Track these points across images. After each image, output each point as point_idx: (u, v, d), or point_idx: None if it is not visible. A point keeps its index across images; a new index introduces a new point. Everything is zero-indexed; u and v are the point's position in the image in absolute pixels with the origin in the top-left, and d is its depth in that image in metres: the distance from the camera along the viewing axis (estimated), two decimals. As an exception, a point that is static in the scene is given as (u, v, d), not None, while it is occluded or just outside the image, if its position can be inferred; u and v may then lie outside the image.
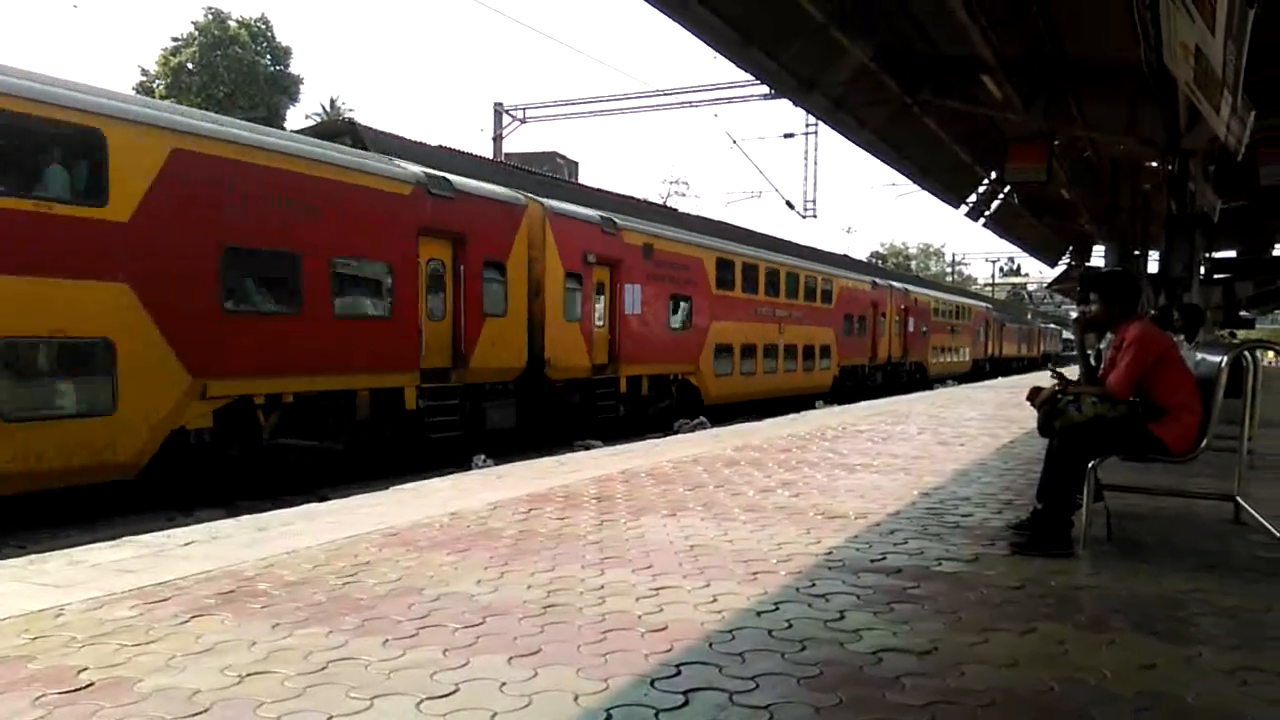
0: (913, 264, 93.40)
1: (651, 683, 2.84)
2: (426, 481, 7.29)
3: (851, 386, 26.34)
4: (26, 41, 77.03)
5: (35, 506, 8.82)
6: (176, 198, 9.37)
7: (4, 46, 77.23)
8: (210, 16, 44.35)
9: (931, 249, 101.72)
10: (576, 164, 31.49)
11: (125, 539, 4.98)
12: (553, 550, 4.59)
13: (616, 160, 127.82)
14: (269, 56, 46.02)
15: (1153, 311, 13.87)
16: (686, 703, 2.69)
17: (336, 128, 14.59)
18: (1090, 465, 4.60)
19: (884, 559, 4.44)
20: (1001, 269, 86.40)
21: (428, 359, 12.43)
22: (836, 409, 17.10)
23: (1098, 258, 31.29)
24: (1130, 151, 17.41)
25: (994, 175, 21.89)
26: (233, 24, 44.68)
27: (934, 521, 5.38)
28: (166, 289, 9.28)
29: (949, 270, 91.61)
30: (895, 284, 32.84)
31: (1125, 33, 10.80)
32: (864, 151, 19.78)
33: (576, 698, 2.72)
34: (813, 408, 18.75)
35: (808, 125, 33.16)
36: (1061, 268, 38.32)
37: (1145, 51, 10.28)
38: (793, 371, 23.55)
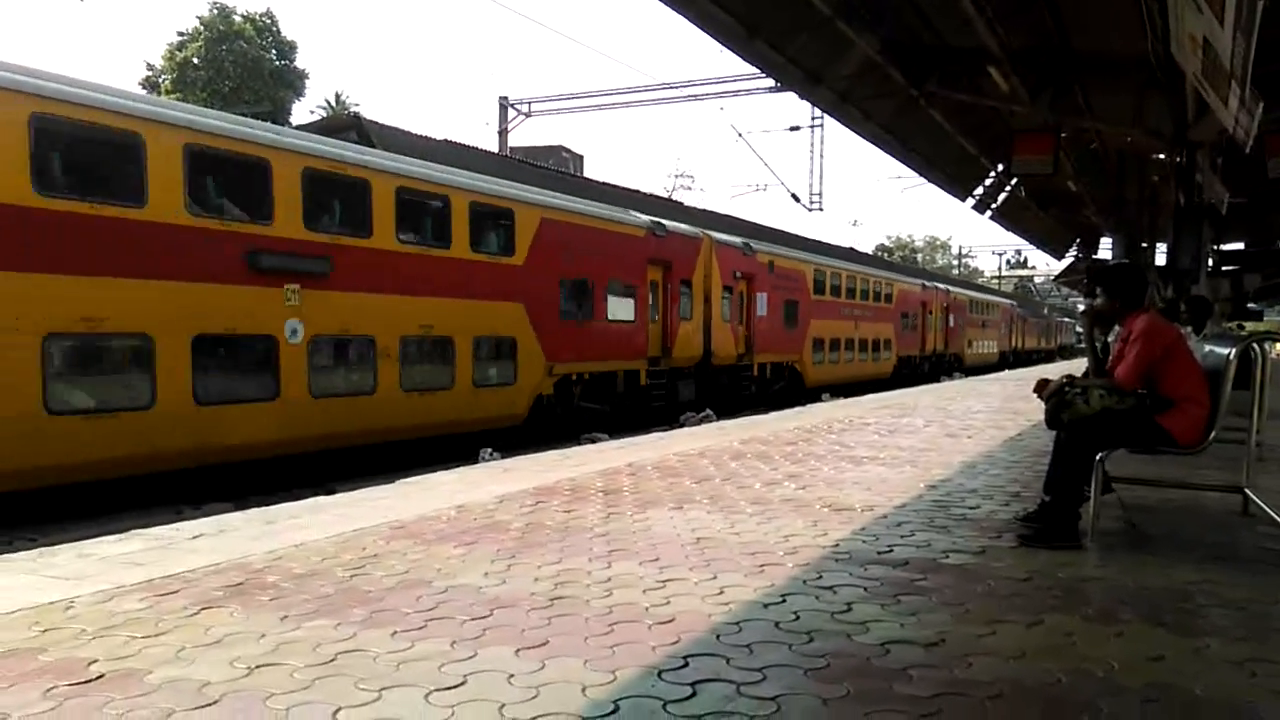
0: (919, 257, 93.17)
1: (659, 674, 2.84)
2: (432, 474, 7.30)
3: (907, 374, 30.43)
4: (33, 37, 77.22)
5: (44, 500, 8.86)
6: (542, 249, 14.30)
7: (10, 42, 77.41)
8: (215, 11, 44.37)
9: (938, 242, 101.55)
10: (582, 157, 31.54)
11: (134, 532, 5.00)
12: (560, 543, 4.60)
13: (622, 154, 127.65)
14: (274, 51, 46.02)
15: (1160, 304, 13.84)
16: (694, 694, 2.69)
17: (342, 123, 14.60)
18: (1098, 458, 4.59)
19: (891, 551, 4.43)
20: (1008, 262, 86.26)
21: (649, 350, 17.27)
22: (842, 401, 17.10)
23: (1105, 250, 31.20)
24: (1137, 143, 17.33)
25: (1000, 167, 21.83)
26: (238, 19, 44.69)
27: (941, 514, 5.37)
28: (538, 306, 14.28)
29: (955, 263, 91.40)
30: (939, 285, 37.40)
31: (1132, 24, 10.76)
32: (870, 144, 19.73)
33: (584, 689, 2.73)
34: (882, 390, 21.70)
35: (813, 118, 33.14)
36: (1068, 260, 38.26)
37: (1152, 43, 10.25)
38: (865, 360, 28.01)
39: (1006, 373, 33.10)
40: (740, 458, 7.89)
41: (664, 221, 17.68)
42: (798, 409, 14.95)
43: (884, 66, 14.15)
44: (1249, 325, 27.12)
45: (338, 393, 11.25)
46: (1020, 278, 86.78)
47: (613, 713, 2.58)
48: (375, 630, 3.25)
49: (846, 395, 18.63)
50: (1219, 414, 4.58)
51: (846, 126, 18.23)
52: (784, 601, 3.61)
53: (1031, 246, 46.76)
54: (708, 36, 12.70)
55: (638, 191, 20.25)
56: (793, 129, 33.74)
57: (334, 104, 50.50)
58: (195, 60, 43.40)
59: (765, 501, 5.75)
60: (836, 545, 4.56)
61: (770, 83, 23.33)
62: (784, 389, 22.33)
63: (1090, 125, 17.25)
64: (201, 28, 43.94)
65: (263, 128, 11.03)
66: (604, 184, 19.31)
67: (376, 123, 13.71)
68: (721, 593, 3.73)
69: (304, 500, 6.15)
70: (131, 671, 2.87)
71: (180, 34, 44.40)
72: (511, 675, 2.83)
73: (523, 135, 31.78)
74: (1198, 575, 4.01)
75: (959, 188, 24.41)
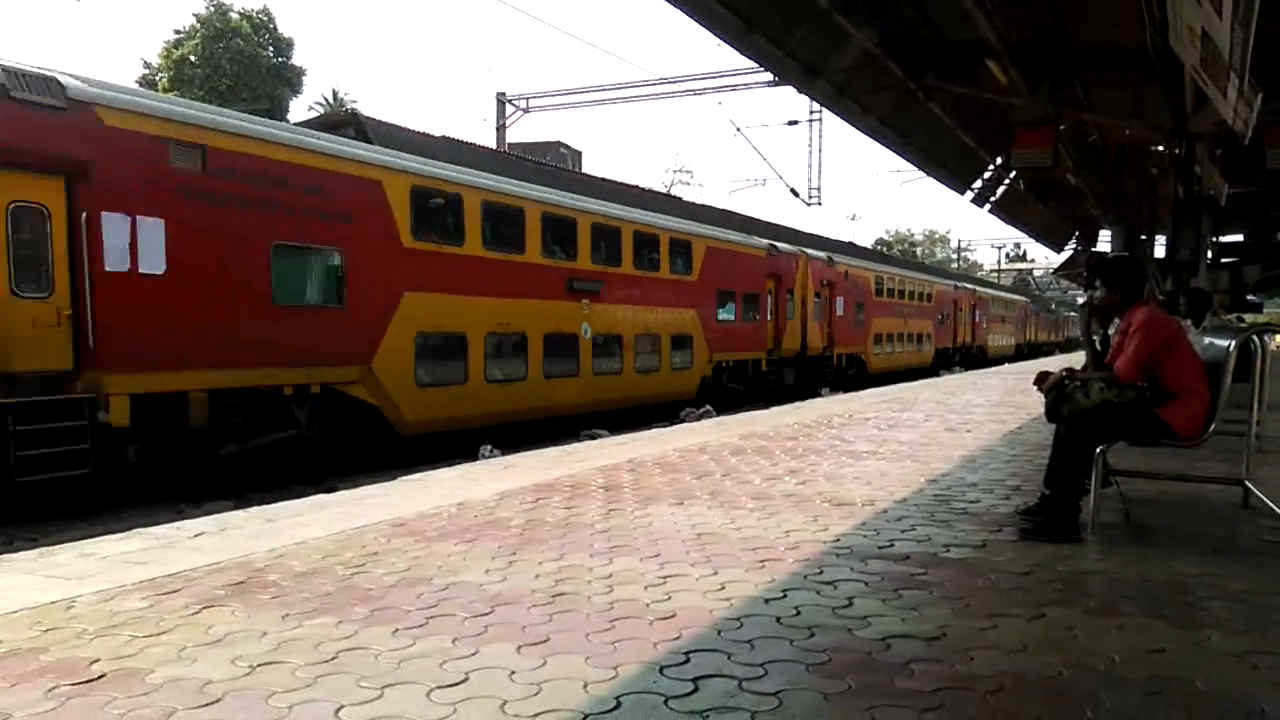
0: (918, 251, 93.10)
1: (661, 670, 2.85)
2: (433, 472, 7.30)
3: (941, 364, 34.51)
4: (29, 35, 77.08)
5: (45, 498, 8.87)
6: (707, 270, 19.20)
7: (6, 40, 77.27)
8: (212, 9, 44.28)
9: (937, 235, 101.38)
10: (580, 153, 31.46)
11: (135, 531, 5.01)
12: (560, 539, 4.60)
13: (620, 149, 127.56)
14: (271, 48, 45.93)
15: (1160, 296, 13.84)
16: (696, 690, 2.70)
17: (340, 119, 14.58)
18: (1098, 451, 4.59)
19: (892, 546, 4.44)
20: (1007, 255, 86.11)
21: (767, 344, 22.00)
22: (842, 396, 17.09)
23: (1104, 243, 31.20)
24: (1136, 136, 17.29)
25: (999, 160, 21.80)
26: (235, 16, 44.60)
27: (942, 508, 5.38)
28: (705, 312, 19.15)
29: (954, 256, 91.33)
30: (968, 285, 42.11)
31: (1131, 16, 10.74)
32: (869, 138, 19.70)
33: (586, 686, 2.73)
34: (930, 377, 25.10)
35: (812, 112, 33.12)
36: (1068, 253, 38.28)
37: (1151, 35, 10.23)
38: (912, 351, 32.50)
39: (1006, 366, 33.24)
40: (740, 453, 7.90)
41: (777, 244, 22.73)
42: (796, 404, 14.98)
43: (882, 60, 14.13)
44: (1248, 317, 27.11)
45: (604, 373, 16.15)
46: (1019, 271, 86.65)
47: (614, 709, 2.58)
48: (377, 628, 3.25)
49: (896, 381, 22.81)
50: (1219, 406, 4.58)
51: (845, 120, 18.19)
52: (785, 597, 3.61)
53: (1031, 240, 47.19)
54: (705, 31, 12.67)
55: (755, 219, 25.06)
56: (791, 123, 33.92)
57: (331, 100, 50.42)
58: (192, 58, 43.32)
59: (766, 497, 5.75)
60: (837, 540, 4.56)
61: (768, 77, 23.29)
62: (854, 375, 26.98)
63: (1089, 118, 17.22)
64: (198, 25, 43.85)
65: (572, 196, 15.75)
66: (734, 213, 24.68)
67: (375, 119, 13.70)
68: (722, 588, 3.73)
69: (305, 498, 6.16)
70: (133, 671, 2.87)
71: (177, 32, 44.33)
72: (513, 672, 2.83)
73: (521, 131, 31.81)
74: (1198, 568, 4.02)
75: (958, 181, 24.37)
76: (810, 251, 24.28)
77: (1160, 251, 21.78)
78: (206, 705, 2.61)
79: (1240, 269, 24.55)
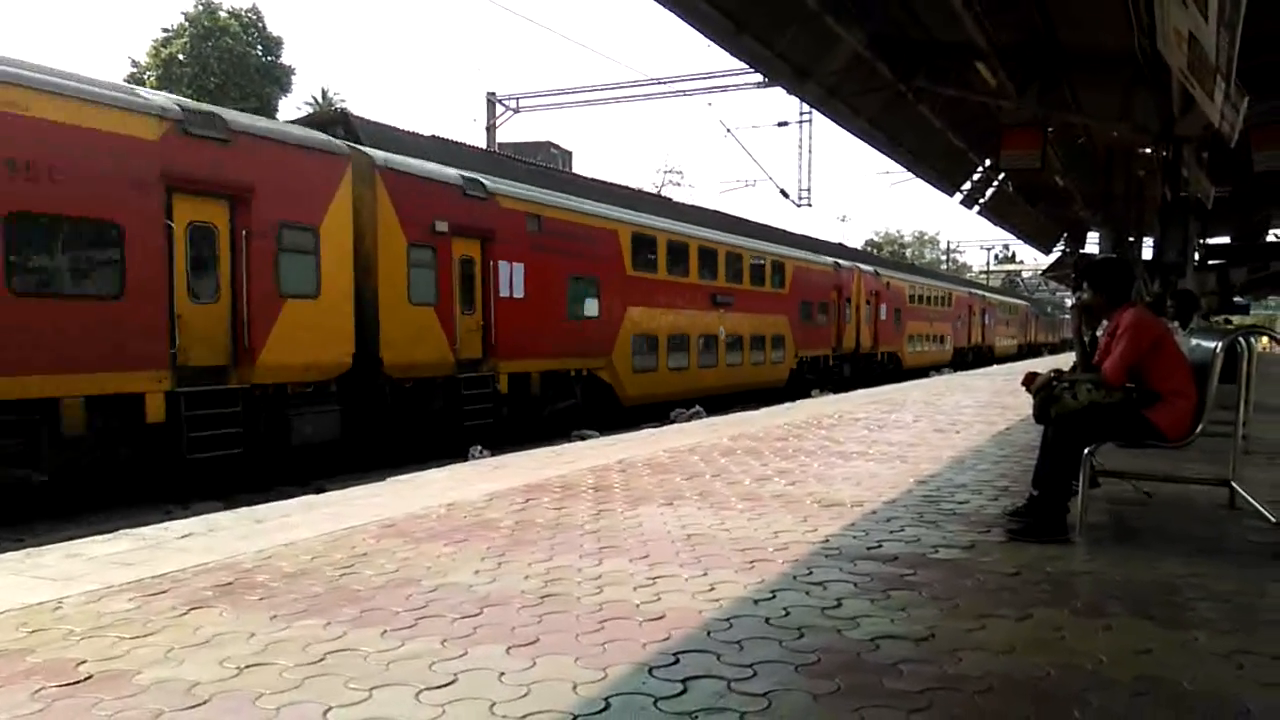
0: (908, 252, 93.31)
1: (650, 671, 2.85)
2: (423, 473, 7.29)
3: (958, 362, 38.89)
4: (16, 32, 76.61)
5: (32, 499, 8.82)
6: (794, 285, 24.21)
7: (-7, 38, 76.82)
8: (200, 7, 44.04)
9: (926, 236, 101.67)
10: (570, 154, 31.40)
11: (122, 532, 4.98)
12: (550, 540, 4.60)
13: (610, 149, 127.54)
14: (260, 47, 45.70)
15: (1147, 298, 13.89)
16: (685, 690, 2.70)
17: (329, 118, 14.54)
18: (1086, 452, 4.61)
19: (881, 546, 4.45)
20: (996, 256, 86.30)
21: (832, 344, 27.02)
22: (832, 397, 17.13)
23: (1092, 244, 31.35)
24: (1124, 138, 17.37)
25: (988, 162, 21.87)
26: (223, 14, 44.36)
27: (930, 509, 5.39)
28: (793, 317, 24.03)
29: (944, 258, 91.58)
30: (979, 292, 47.69)
31: (1119, 19, 10.79)
32: (858, 139, 19.75)
33: (575, 687, 2.73)
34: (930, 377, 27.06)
35: (802, 113, 33.14)
36: (1056, 255, 38.51)
37: (1139, 38, 10.28)
38: (936, 350, 37.31)
39: (995, 368, 33.40)
40: (730, 454, 7.90)
41: (840, 261, 27.62)
42: (787, 405, 15.00)
43: (872, 61, 14.17)
44: (1235, 319, 27.25)
45: (732, 364, 21.49)
46: (1008, 272, 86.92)
47: (604, 710, 2.58)
48: (365, 629, 3.25)
49: (926, 375, 27.40)
50: (1206, 407, 4.61)
51: (835, 122, 18.23)
52: (774, 597, 3.62)
53: (1019, 241, 48.20)
54: (695, 31, 12.68)
55: (821, 241, 29.70)
56: (781, 124, 33.93)
57: (320, 100, 50.26)
58: (181, 56, 43.07)
59: (755, 497, 5.76)
60: (826, 541, 4.57)
61: (758, 78, 23.34)
62: (892, 370, 31.17)
63: (1078, 120, 17.28)
64: (186, 24, 43.62)
65: (709, 230, 21.06)
66: (807, 237, 29.22)
67: (363, 119, 13.68)
68: (712, 589, 3.73)
69: (294, 499, 6.14)
70: (120, 672, 2.85)
71: (165, 30, 44.05)
72: (502, 673, 2.83)
73: (511, 131, 31.77)
74: (1185, 568, 4.04)
75: (947, 183, 24.45)
76: (862, 266, 29.71)
77: (1148, 253, 21.86)
78: (194, 707, 2.60)
79: (1227, 271, 24.68)
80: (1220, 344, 4.73)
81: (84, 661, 2.95)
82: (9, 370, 8.30)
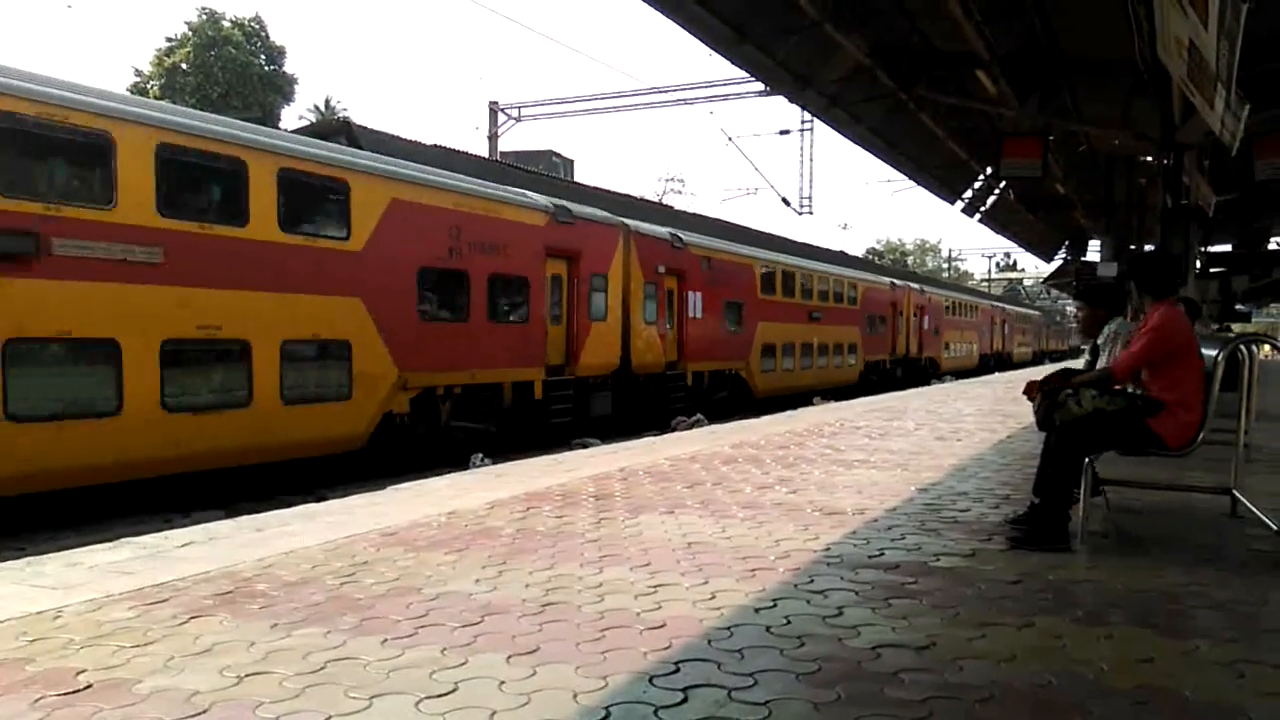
0: (909, 260, 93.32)
1: (650, 680, 2.84)
2: (424, 481, 7.28)
3: (983, 366, 42.63)
4: (21, 42, 76.90)
5: (33, 508, 8.81)
6: (864, 301, 28.56)
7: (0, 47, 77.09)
8: (204, 17, 44.18)
9: (927, 245, 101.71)
10: (572, 162, 31.54)
11: (123, 540, 4.97)
12: (551, 548, 4.60)
13: (612, 158, 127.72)
14: (263, 56, 45.83)
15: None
16: (685, 699, 2.69)
17: (332, 127, 14.57)
18: (1087, 460, 4.60)
19: (882, 555, 4.44)
20: (997, 264, 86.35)
21: (888, 349, 30.94)
22: (834, 405, 17.12)
23: (1094, 252, 31.33)
24: (1125, 146, 17.42)
25: (989, 170, 21.93)
26: (227, 24, 44.49)
27: (932, 517, 5.39)
28: (861, 328, 28.18)
29: (945, 266, 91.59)
30: (1000, 304, 52.98)
31: (1119, 28, 10.82)
32: (860, 148, 19.81)
33: (575, 695, 2.72)
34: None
35: (803, 122, 33.15)
36: (1057, 262, 38.61)
37: (1139, 46, 10.30)
38: (965, 355, 41.12)
39: (995, 375, 33.42)
40: (731, 462, 7.90)
41: (895, 280, 32.52)
42: (789, 413, 14.98)
43: (872, 70, 14.22)
44: (1236, 326, 27.22)
45: (821, 366, 25.57)
46: (1009, 280, 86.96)
47: (604, 719, 2.58)
48: (366, 638, 3.24)
49: (960, 377, 31.86)
50: (1207, 416, 4.60)
51: (836, 130, 18.31)
52: (775, 606, 3.61)
53: (1021, 249, 48.89)
54: (697, 41, 12.73)
55: (883, 265, 35.01)
56: (782, 133, 33.78)
57: (323, 109, 50.35)
58: (184, 66, 43.20)
59: (756, 506, 5.75)
60: (828, 549, 4.57)
61: (760, 86, 23.37)
62: (932, 372, 34.72)
63: (1078, 128, 17.34)
64: (190, 33, 43.76)
65: (808, 259, 26.17)
66: (871, 261, 36.33)
67: (366, 128, 13.70)
68: (713, 597, 3.73)
69: (294, 507, 6.13)
70: (120, 681, 2.85)
71: (169, 39, 44.16)
72: (502, 682, 2.82)
73: (512, 140, 31.83)
74: (1187, 577, 4.03)
75: (948, 191, 24.52)
76: (910, 284, 34.66)
77: (1149, 261, 21.76)
78: (194, 716, 2.60)
79: (1229, 279, 24.69)
80: (1221, 352, 4.72)
81: (84, 670, 2.94)
82: (488, 365, 13.47)
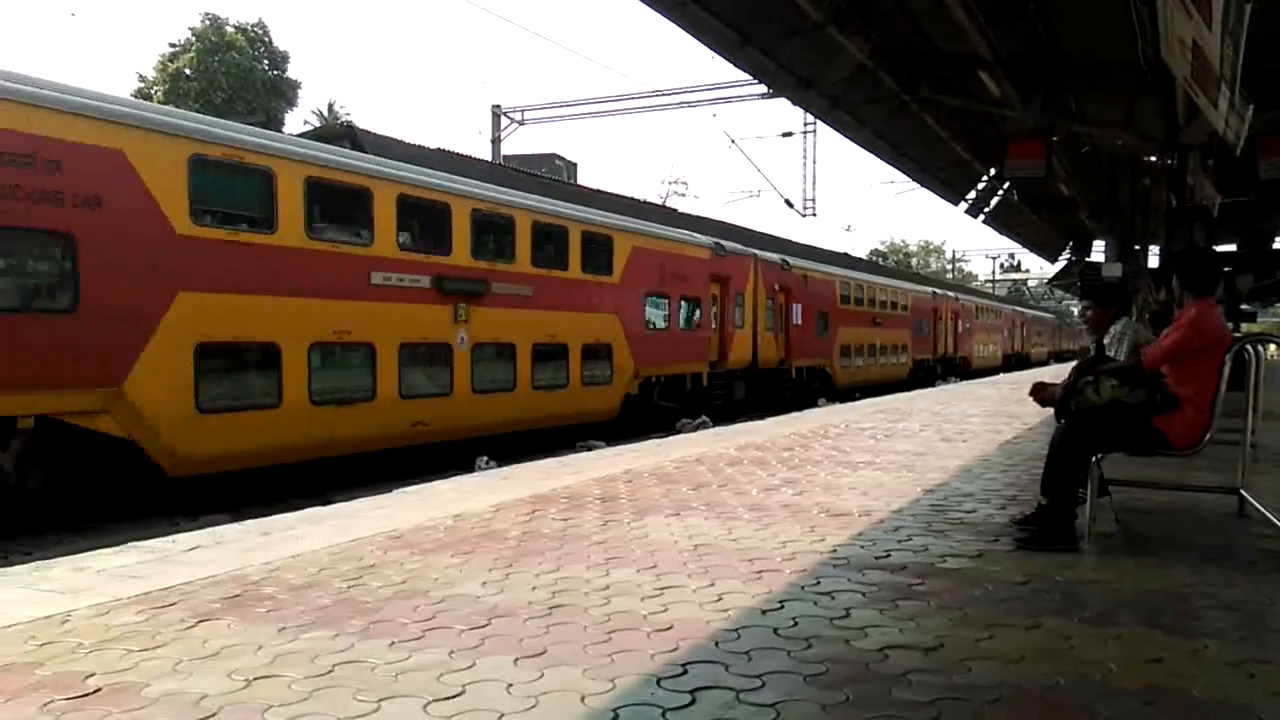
0: (913, 261, 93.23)
1: (658, 682, 2.84)
2: (430, 484, 7.29)
3: (1005, 365, 46.25)
4: (25, 49, 77.14)
5: (41, 512, 8.83)
6: (913, 309, 33.80)
7: (3, 55, 77.33)
8: (208, 22, 44.32)
9: (931, 246, 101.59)
10: (575, 165, 31.49)
11: (130, 544, 4.99)
12: (557, 551, 4.60)
13: (615, 161, 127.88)
14: (266, 61, 45.97)
15: (1155, 305, 13.86)
16: (693, 701, 2.69)
17: (336, 132, 14.60)
18: (1094, 459, 4.59)
19: (889, 556, 4.44)
20: (1002, 265, 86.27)
21: (937, 351, 36.30)
22: (839, 406, 17.11)
23: (1098, 253, 31.28)
24: (1129, 146, 17.39)
25: (993, 171, 21.91)
26: (230, 30, 44.64)
27: (938, 518, 5.38)
28: (912, 332, 33.50)
29: (949, 267, 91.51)
30: (1020, 310, 58.49)
31: (1123, 29, 10.81)
32: (863, 149, 19.81)
33: (583, 698, 2.72)
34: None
35: (806, 124, 33.14)
36: (1062, 263, 38.63)
37: (1143, 47, 10.29)
38: (991, 356, 45.25)
39: (1001, 376, 33.39)
40: (737, 464, 7.89)
41: (936, 290, 37.45)
42: (794, 414, 14.98)
43: (875, 72, 14.22)
44: (1243, 326, 27.15)
45: (881, 364, 30.06)
46: (1014, 281, 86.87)
47: (612, 721, 2.57)
48: (373, 641, 3.25)
49: (985, 375, 36.10)
50: (1214, 415, 4.59)
51: (839, 132, 18.31)
52: (782, 608, 3.61)
53: (1025, 250, 48.96)
54: (700, 43, 12.73)
55: (926, 277, 39.35)
56: (785, 135, 33.77)
57: (326, 114, 50.44)
58: (188, 71, 43.35)
59: (762, 508, 5.75)
60: (834, 551, 4.56)
61: (762, 89, 23.39)
62: (963, 370, 38.71)
63: (1082, 129, 17.32)
64: (194, 39, 43.89)
65: (870, 275, 31.95)
66: (917, 274, 43.44)
67: (370, 132, 13.72)
68: (720, 600, 3.72)
69: (301, 511, 6.14)
70: (129, 685, 2.86)
71: (172, 45, 44.35)
72: (510, 684, 2.83)
73: (515, 143, 31.77)
74: (1195, 577, 4.02)
75: (952, 192, 24.49)
76: (949, 294, 39.69)
77: (1154, 261, 21.83)
78: None
79: (1233, 279, 24.63)
80: (1228, 352, 4.70)
81: (92, 674, 2.95)
82: (679, 361, 18.41)
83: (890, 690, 2.77)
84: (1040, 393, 5.06)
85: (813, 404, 20.68)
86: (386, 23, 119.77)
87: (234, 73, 43.43)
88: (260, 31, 45.93)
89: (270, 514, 6.09)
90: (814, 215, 34.49)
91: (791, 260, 23.98)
